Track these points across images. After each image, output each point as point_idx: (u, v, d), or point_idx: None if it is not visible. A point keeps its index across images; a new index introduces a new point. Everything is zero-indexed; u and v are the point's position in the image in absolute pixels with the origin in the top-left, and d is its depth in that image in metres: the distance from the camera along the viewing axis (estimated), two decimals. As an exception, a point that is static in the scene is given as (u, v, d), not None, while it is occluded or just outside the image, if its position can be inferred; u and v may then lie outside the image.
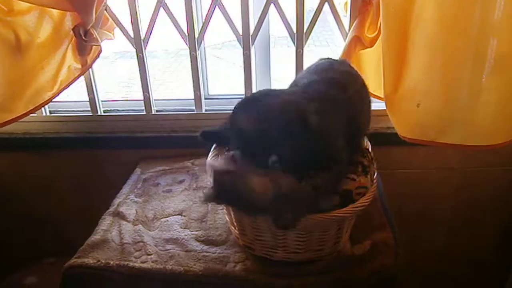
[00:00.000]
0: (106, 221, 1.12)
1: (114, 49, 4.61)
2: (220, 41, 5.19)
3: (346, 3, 1.27)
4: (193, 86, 1.41)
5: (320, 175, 0.85)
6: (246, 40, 1.33)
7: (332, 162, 0.87)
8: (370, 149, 1.04)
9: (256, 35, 1.33)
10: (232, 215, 0.98)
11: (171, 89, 4.17)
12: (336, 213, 0.85)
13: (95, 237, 1.05)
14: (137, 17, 1.32)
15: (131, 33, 1.34)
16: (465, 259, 1.61)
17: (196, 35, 1.34)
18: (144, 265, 0.95)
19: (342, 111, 0.92)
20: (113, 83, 4.35)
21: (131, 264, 0.95)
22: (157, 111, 1.47)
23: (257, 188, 0.80)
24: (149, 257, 0.98)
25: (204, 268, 0.94)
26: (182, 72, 4.56)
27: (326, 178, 0.85)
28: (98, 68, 1.42)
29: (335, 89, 0.94)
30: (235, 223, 0.99)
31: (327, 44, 5.61)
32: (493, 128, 1.09)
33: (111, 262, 0.96)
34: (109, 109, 1.51)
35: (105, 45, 1.33)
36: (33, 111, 1.30)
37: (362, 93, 1.02)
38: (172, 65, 5.03)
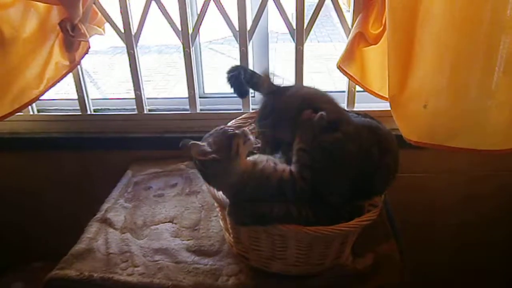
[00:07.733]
0: (92, 228, 1.06)
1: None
2: (221, 35, 5.10)
3: (349, -4, 1.21)
4: (187, 85, 1.34)
5: None
6: (243, 36, 1.26)
7: None
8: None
9: (254, 31, 1.26)
10: (228, 221, 0.91)
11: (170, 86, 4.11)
12: (341, 226, 0.80)
13: (80, 246, 0.99)
14: (127, 11, 1.25)
15: (122, 28, 1.27)
16: (473, 267, 1.54)
17: (190, 31, 1.27)
18: (130, 278, 0.90)
19: None
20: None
21: (116, 277, 0.90)
22: (149, 110, 1.40)
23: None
24: (136, 269, 0.93)
25: (194, 283, 0.88)
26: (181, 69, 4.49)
27: None
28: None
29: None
30: (230, 230, 0.93)
31: (330, 40, 5.54)
32: (505, 131, 1.02)
33: (95, 275, 0.90)
34: (99, 108, 1.44)
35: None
36: (19, 110, 1.24)
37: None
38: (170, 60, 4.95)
